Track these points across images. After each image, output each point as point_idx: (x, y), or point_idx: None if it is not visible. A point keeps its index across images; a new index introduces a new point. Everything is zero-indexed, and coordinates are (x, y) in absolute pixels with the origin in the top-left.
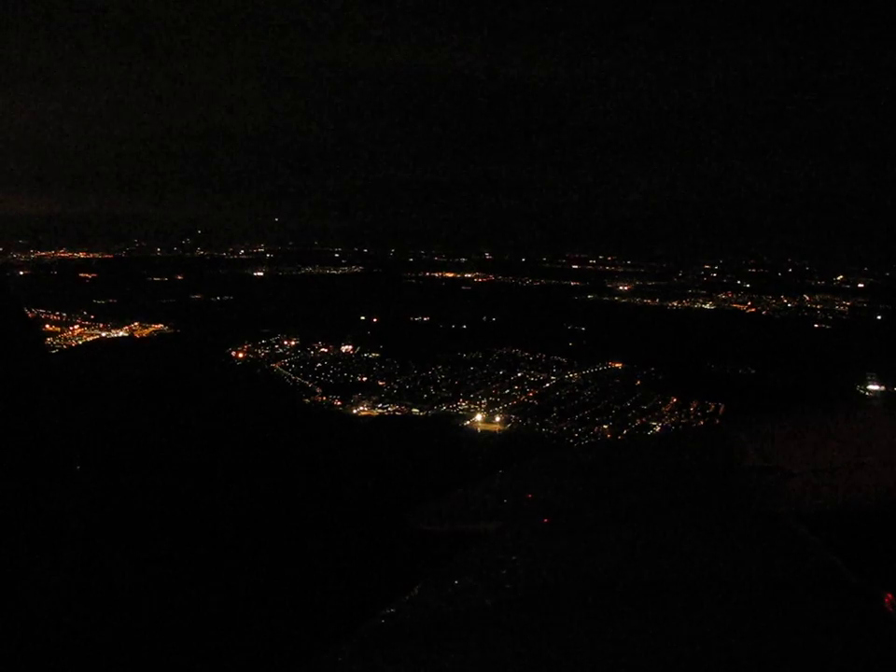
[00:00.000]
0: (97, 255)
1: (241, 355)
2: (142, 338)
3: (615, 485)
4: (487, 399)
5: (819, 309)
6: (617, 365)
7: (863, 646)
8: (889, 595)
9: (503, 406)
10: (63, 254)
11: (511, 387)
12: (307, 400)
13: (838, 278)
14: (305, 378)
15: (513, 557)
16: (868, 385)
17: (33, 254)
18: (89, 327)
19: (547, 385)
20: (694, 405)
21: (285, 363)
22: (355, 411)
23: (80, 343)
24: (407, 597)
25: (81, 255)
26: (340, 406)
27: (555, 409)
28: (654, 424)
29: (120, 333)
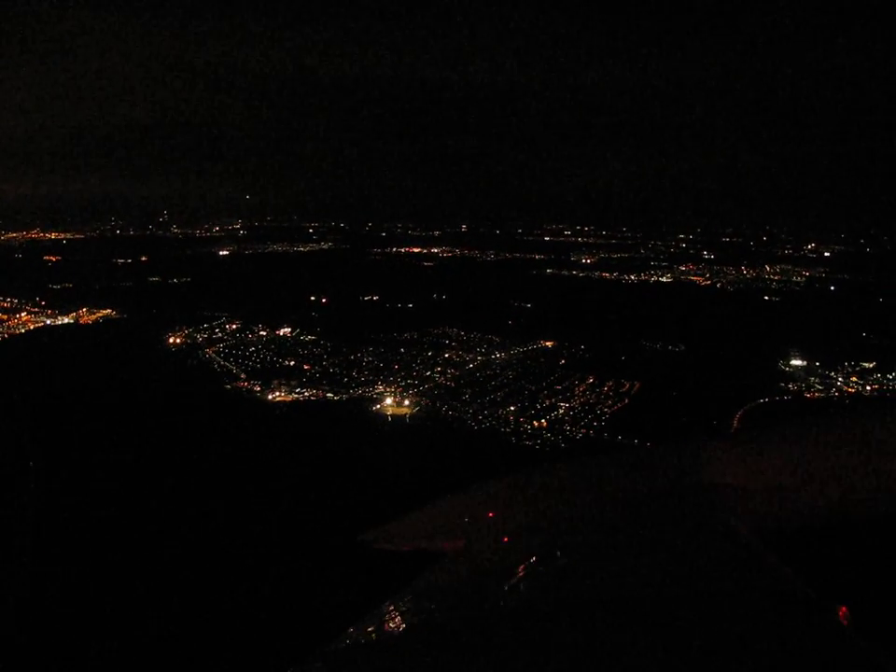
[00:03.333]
0: (68, 235)
1: (178, 340)
2: (85, 325)
3: (575, 504)
4: (406, 381)
5: (775, 280)
6: (548, 344)
7: (818, 657)
8: (843, 608)
9: (419, 389)
10: (34, 235)
11: (433, 369)
12: (228, 387)
13: (808, 246)
14: (235, 363)
15: (475, 577)
16: (791, 360)
17: (3, 235)
18: (37, 314)
19: (470, 365)
20: (610, 384)
21: (219, 348)
22: (270, 396)
23: (23, 331)
24: (370, 617)
25: (52, 236)
26: (258, 392)
27: (469, 391)
28: (562, 405)
29: (66, 320)
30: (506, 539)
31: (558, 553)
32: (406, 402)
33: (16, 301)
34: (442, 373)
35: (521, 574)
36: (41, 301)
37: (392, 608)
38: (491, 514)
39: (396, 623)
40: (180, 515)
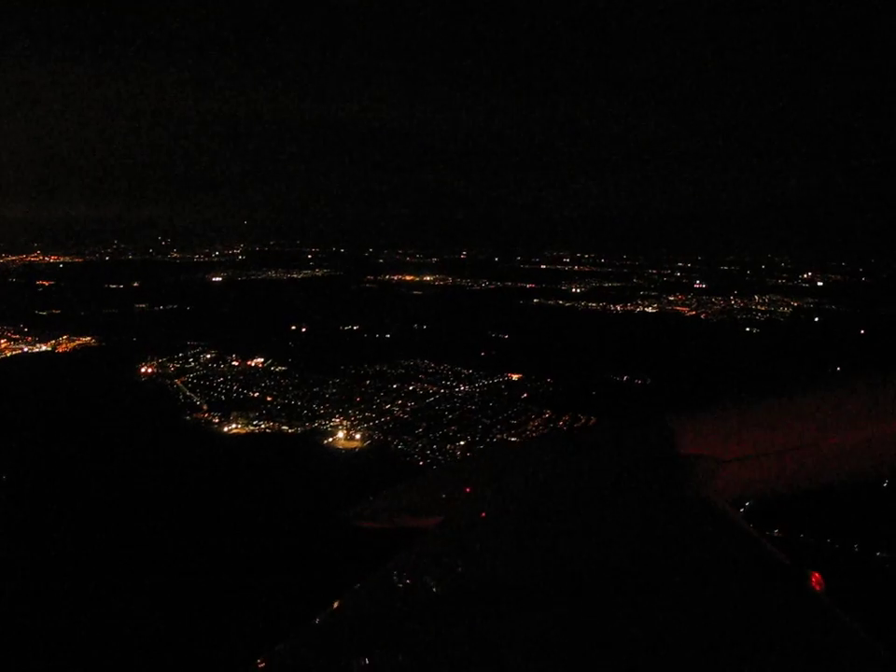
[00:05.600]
0: (67, 259)
1: (149, 370)
2: (62, 353)
3: (552, 477)
4: (365, 414)
5: (761, 310)
6: (515, 376)
7: (791, 622)
8: (816, 574)
9: (375, 422)
10: (33, 258)
11: (394, 402)
12: (187, 418)
13: (805, 275)
14: (200, 394)
15: (453, 552)
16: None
17: (2, 258)
18: (16, 341)
19: (431, 399)
20: (566, 419)
21: (188, 378)
22: (226, 429)
23: None
24: (347, 595)
25: (52, 259)
26: (215, 424)
27: (423, 425)
28: (513, 440)
29: (44, 348)
30: (483, 515)
31: (535, 527)
32: (357, 436)
33: None
34: (402, 407)
35: (498, 550)
36: (24, 327)
37: (368, 585)
38: (468, 490)
39: (372, 600)
40: (115, 539)
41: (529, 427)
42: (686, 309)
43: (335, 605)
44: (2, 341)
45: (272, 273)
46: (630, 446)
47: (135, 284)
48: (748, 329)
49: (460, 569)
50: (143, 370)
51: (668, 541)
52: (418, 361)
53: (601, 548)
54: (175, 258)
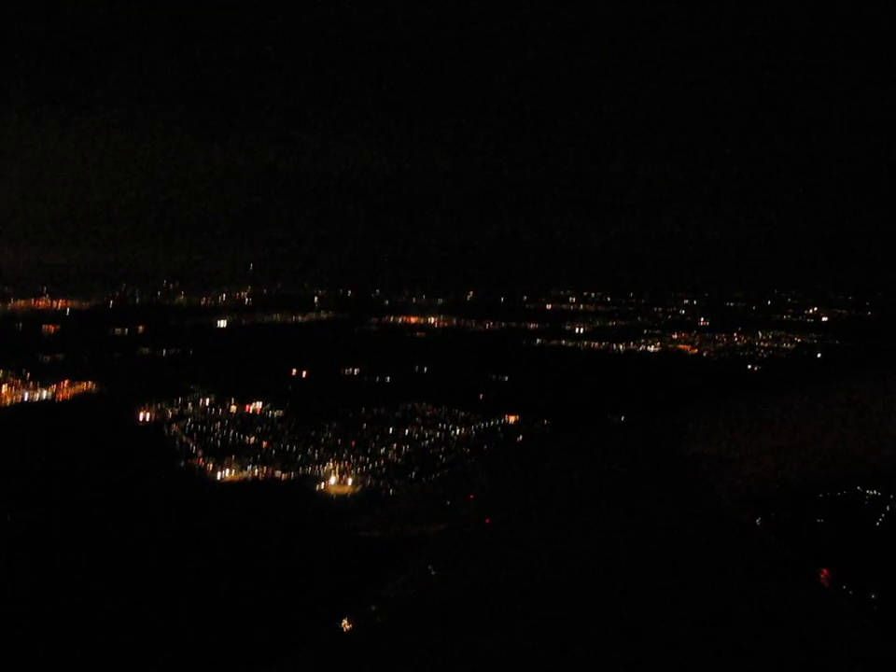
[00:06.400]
0: (74, 304)
1: (147, 416)
2: (61, 400)
3: (557, 480)
4: (359, 458)
5: (764, 347)
6: (511, 419)
7: (800, 621)
8: (825, 571)
9: (368, 467)
10: (41, 303)
11: (389, 446)
12: (182, 464)
13: (810, 311)
14: (196, 440)
15: (458, 560)
16: None
17: (10, 303)
18: (17, 387)
19: (426, 442)
20: None
21: (186, 424)
22: (219, 476)
23: None
24: (355, 608)
25: (60, 304)
26: (209, 470)
27: (416, 469)
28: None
29: (45, 394)
30: (487, 521)
31: (541, 531)
32: (350, 482)
33: (1, 373)
34: (397, 451)
35: (504, 556)
36: (27, 373)
37: (376, 597)
38: (472, 496)
39: (378, 612)
40: (112, 582)
41: None
42: (689, 347)
43: (341, 618)
44: (3, 387)
45: (277, 317)
46: (635, 446)
47: (140, 328)
48: (749, 367)
49: (466, 577)
50: (140, 415)
51: (677, 542)
52: (416, 404)
53: (608, 550)
54: (181, 302)
